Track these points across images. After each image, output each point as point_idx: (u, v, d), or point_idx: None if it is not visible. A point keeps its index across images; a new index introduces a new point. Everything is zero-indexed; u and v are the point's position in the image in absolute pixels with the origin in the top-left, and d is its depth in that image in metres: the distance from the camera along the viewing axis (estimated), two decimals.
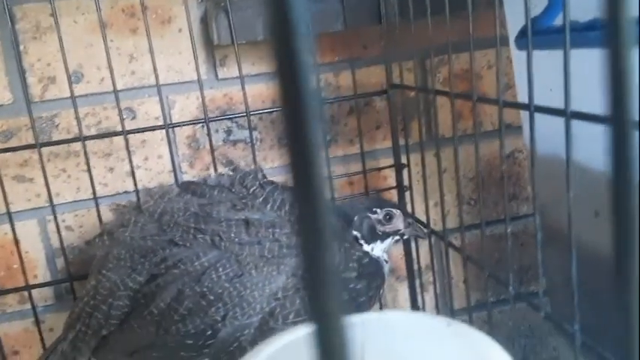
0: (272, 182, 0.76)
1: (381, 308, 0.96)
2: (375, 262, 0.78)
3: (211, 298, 0.65)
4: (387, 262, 0.81)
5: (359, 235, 0.79)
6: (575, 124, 0.51)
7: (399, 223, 0.80)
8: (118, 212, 0.78)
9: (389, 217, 0.80)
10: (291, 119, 0.14)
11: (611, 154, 0.16)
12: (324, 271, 0.14)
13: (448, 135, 0.93)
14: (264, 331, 0.67)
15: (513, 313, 0.96)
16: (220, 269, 0.66)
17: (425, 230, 0.83)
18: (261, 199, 0.71)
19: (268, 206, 0.70)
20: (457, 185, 0.71)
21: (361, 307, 0.75)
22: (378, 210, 0.80)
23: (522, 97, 0.78)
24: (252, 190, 0.72)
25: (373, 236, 0.79)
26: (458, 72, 0.95)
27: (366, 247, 0.79)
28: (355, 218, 0.80)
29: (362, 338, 0.37)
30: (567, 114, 0.47)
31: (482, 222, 0.67)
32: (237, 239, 0.67)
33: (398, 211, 0.81)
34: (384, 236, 0.79)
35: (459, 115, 0.95)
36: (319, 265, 0.14)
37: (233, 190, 0.72)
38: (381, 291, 0.79)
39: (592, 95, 0.55)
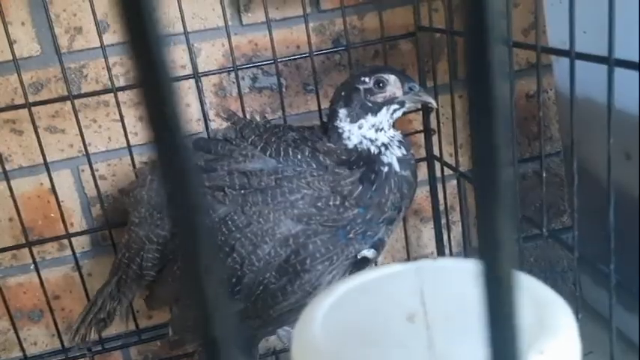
0: (275, 126, 0.76)
1: (407, 251, 0.99)
2: (356, 151, 0.71)
3: (227, 249, 0.69)
4: (386, 146, 0.70)
5: (343, 114, 0.71)
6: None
7: (394, 89, 0.71)
8: (139, 172, 0.81)
9: (380, 84, 0.71)
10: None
11: None
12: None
13: None
14: (288, 274, 0.69)
15: (543, 250, 0.99)
16: (229, 222, 0.68)
17: (432, 101, 0.73)
18: (259, 148, 0.71)
19: (267, 153, 0.70)
20: None
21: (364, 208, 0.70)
22: (367, 78, 0.72)
23: (553, 37, 0.77)
24: (250, 140, 0.72)
25: (363, 109, 0.71)
26: None
27: (348, 128, 0.71)
28: (342, 93, 0.72)
29: (419, 283, 0.39)
30: (611, 62, 0.47)
31: (515, 160, 0.68)
32: (241, 191, 0.69)
33: (392, 75, 0.72)
34: (376, 107, 0.71)
35: None
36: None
37: (234, 142, 0.73)
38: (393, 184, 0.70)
39: (624, 37, 0.55)
